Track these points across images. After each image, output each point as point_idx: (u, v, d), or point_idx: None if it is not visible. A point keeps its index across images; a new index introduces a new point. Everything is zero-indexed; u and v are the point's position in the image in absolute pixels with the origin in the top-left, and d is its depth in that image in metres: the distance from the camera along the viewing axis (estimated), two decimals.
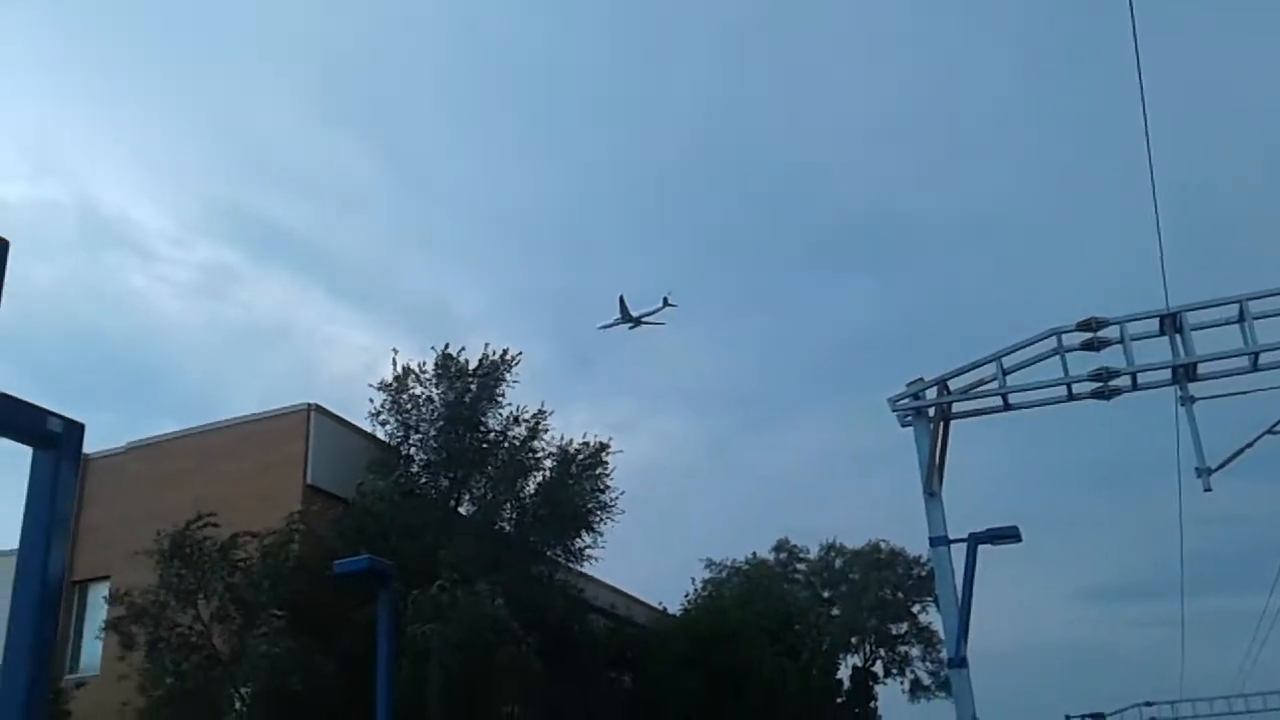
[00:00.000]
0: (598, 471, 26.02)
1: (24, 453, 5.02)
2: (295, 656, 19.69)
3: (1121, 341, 18.22)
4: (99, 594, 23.68)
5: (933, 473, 18.74)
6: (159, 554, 20.81)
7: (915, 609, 53.09)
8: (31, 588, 4.81)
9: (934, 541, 18.69)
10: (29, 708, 4.64)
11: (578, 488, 25.78)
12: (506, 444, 25.14)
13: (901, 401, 19.16)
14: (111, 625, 21.65)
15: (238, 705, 20.44)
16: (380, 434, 25.08)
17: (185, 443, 26.18)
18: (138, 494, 24.77)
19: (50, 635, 4.86)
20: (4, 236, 4.95)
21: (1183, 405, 18.12)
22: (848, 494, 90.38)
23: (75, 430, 5.08)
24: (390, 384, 25.02)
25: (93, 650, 24.16)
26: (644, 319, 60.27)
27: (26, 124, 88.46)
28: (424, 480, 24.61)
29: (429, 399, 24.92)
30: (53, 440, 4.98)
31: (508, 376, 25.21)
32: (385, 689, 15.35)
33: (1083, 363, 18.54)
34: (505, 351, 25.39)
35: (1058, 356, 18.58)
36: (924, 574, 50.23)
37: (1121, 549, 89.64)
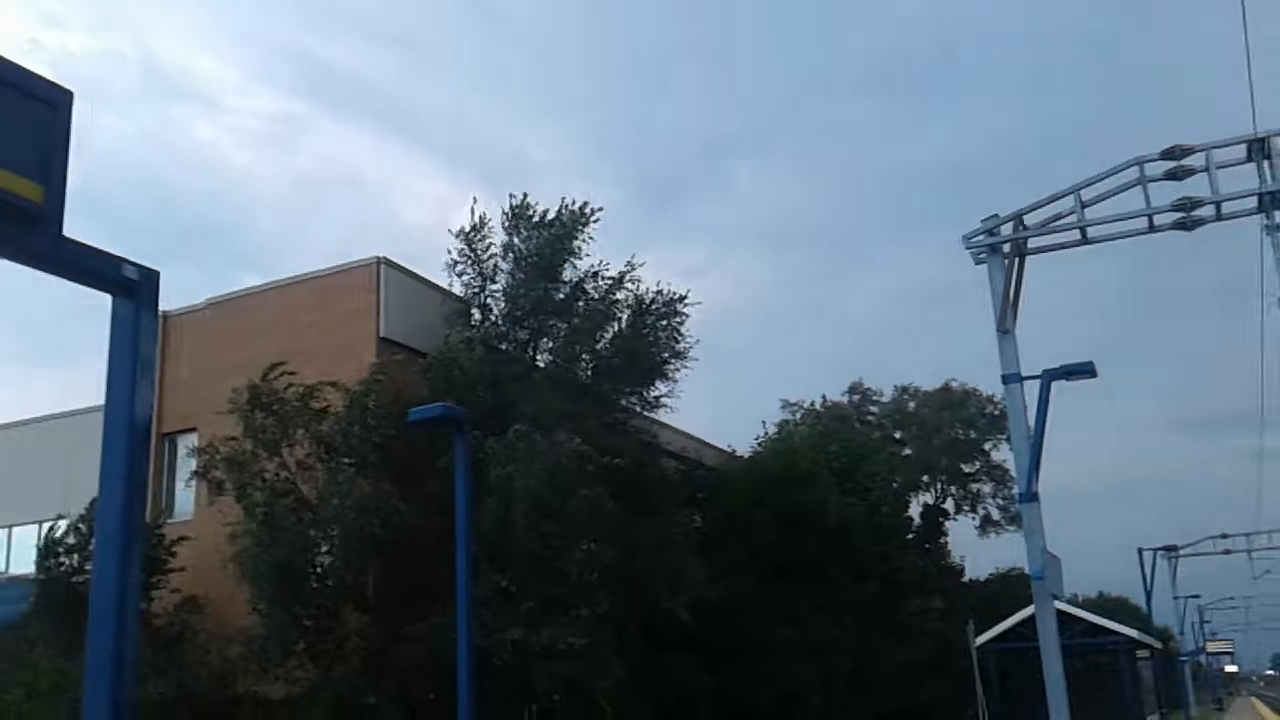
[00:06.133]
0: (673, 321, 25.96)
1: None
2: (371, 502, 20.48)
3: (1207, 170, 17.52)
4: (188, 444, 24.65)
5: (1006, 310, 18.45)
6: (240, 407, 21.46)
7: (987, 447, 53.37)
8: (120, 430, 4.95)
9: (1006, 379, 18.50)
10: (127, 545, 4.84)
11: (653, 338, 25.80)
12: (585, 296, 25.09)
13: (976, 238, 18.74)
14: (200, 473, 22.56)
15: (325, 548, 21.29)
16: (457, 285, 25.06)
17: (261, 298, 26.63)
18: (220, 348, 25.41)
19: (143, 474, 5.01)
20: (68, 87, 4.92)
21: (1268, 234, 17.52)
22: (924, 334, 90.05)
23: (151, 277, 5.14)
24: (467, 232, 24.68)
25: (185, 499, 25.23)
26: None
27: None
28: (502, 331, 24.76)
29: (507, 247, 24.69)
30: (130, 287, 5.05)
31: (585, 230, 24.71)
32: (464, 528, 15.80)
33: (1167, 194, 17.92)
34: (585, 205, 24.83)
35: (1139, 187, 17.96)
36: (997, 413, 50.28)
37: (1202, 383, 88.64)
